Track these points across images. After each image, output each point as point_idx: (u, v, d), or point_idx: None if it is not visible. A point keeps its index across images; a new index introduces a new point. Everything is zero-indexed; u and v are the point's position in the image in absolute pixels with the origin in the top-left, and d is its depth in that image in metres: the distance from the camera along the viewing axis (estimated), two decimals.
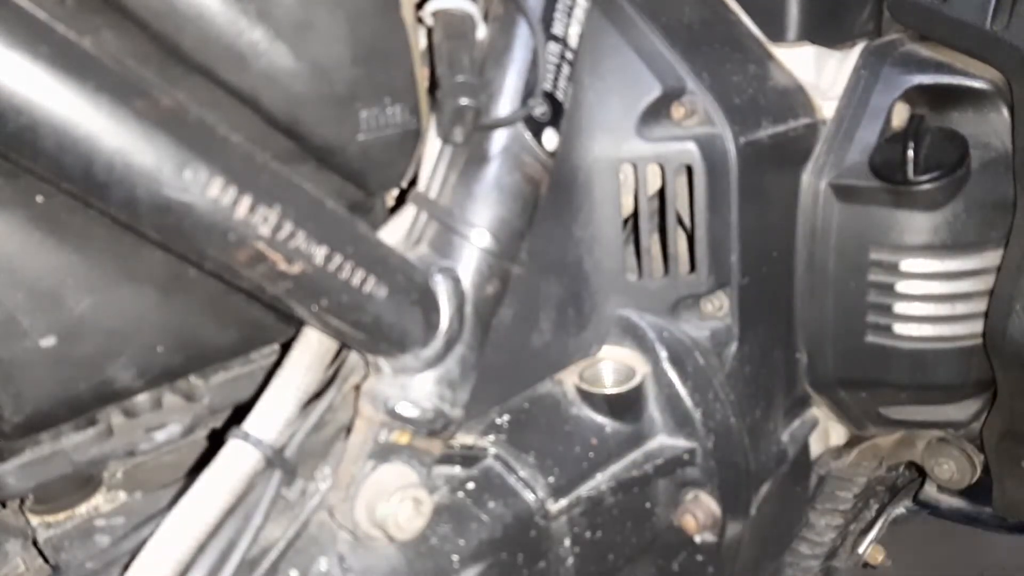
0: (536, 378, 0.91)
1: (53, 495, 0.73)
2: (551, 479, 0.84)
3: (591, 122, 0.89)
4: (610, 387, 0.92)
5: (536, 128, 0.77)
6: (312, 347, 0.71)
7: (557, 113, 0.78)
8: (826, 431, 1.18)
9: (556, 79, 0.78)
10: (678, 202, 0.92)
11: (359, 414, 0.74)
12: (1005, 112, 0.98)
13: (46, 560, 0.72)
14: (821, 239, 1.02)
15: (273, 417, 0.69)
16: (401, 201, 0.78)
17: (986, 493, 1.14)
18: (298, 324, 0.72)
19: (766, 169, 0.96)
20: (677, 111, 0.91)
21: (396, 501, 0.71)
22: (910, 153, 0.94)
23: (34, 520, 0.73)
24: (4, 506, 0.74)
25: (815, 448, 1.16)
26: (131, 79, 0.54)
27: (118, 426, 0.72)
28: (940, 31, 0.97)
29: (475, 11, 0.77)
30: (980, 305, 1.00)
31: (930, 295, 1.00)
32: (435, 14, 0.75)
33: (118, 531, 0.73)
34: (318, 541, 0.74)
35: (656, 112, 0.90)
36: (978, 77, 0.99)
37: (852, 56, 1.05)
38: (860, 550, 1.27)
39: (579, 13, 0.80)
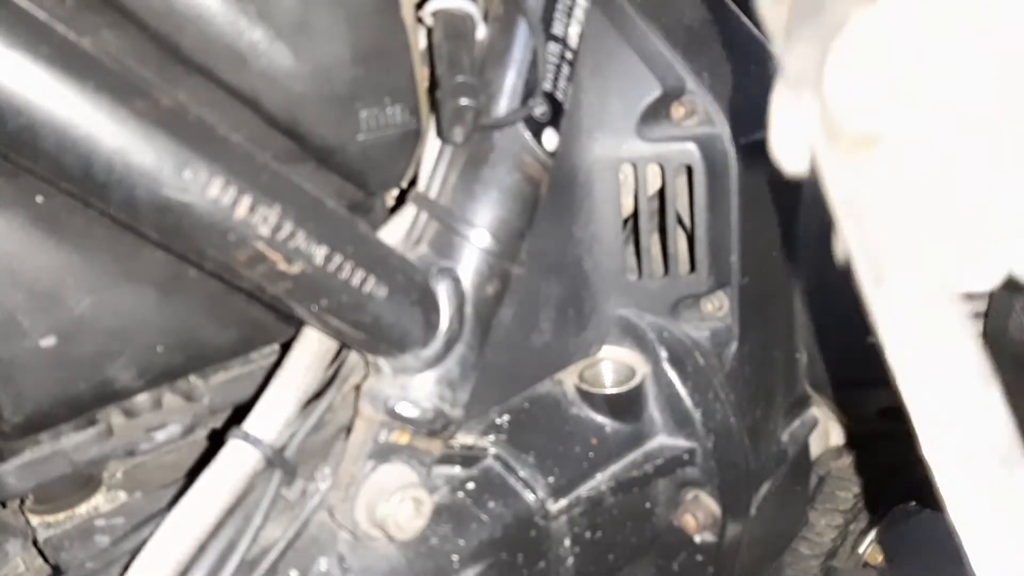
0: (536, 378, 0.91)
1: (53, 495, 0.73)
2: (551, 479, 0.84)
3: (591, 122, 0.89)
4: (610, 387, 0.92)
5: (536, 128, 0.77)
6: (312, 347, 0.71)
7: (557, 113, 0.78)
8: (826, 431, 1.18)
9: (556, 79, 0.78)
10: (678, 202, 0.92)
11: (359, 414, 0.74)
12: None
13: (46, 560, 0.72)
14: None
15: (273, 417, 0.69)
16: (401, 201, 0.78)
17: None
18: (298, 324, 0.72)
19: (766, 169, 0.96)
20: (677, 111, 0.91)
21: (396, 501, 0.71)
22: None
23: (34, 520, 0.73)
24: (4, 506, 0.74)
25: (815, 448, 1.16)
26: (131, 79, 0.54)
27: (118, 426, 0.72)
28: None
29: (475, 11, 0.77)
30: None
31: None
32: (435, 14, 0.75)
33: (118, 531, 0.73)
34: (318, 541, 0.74)
35: (656, 112, 0.90)
36: None
37: None
38: (860, 550, 1.27)
39: (579, 13, 0.80)
